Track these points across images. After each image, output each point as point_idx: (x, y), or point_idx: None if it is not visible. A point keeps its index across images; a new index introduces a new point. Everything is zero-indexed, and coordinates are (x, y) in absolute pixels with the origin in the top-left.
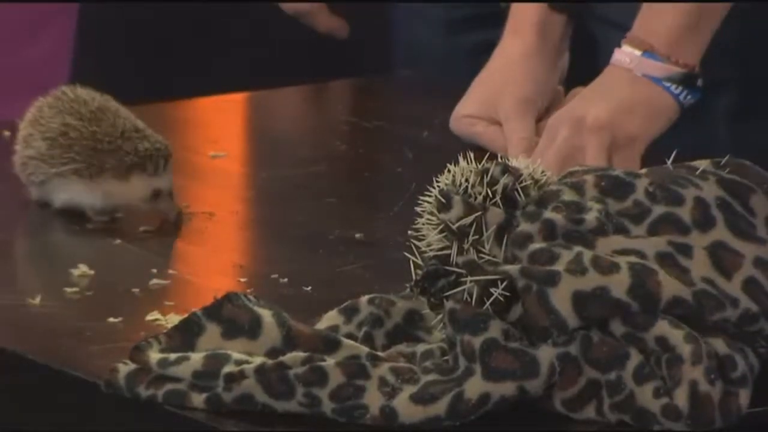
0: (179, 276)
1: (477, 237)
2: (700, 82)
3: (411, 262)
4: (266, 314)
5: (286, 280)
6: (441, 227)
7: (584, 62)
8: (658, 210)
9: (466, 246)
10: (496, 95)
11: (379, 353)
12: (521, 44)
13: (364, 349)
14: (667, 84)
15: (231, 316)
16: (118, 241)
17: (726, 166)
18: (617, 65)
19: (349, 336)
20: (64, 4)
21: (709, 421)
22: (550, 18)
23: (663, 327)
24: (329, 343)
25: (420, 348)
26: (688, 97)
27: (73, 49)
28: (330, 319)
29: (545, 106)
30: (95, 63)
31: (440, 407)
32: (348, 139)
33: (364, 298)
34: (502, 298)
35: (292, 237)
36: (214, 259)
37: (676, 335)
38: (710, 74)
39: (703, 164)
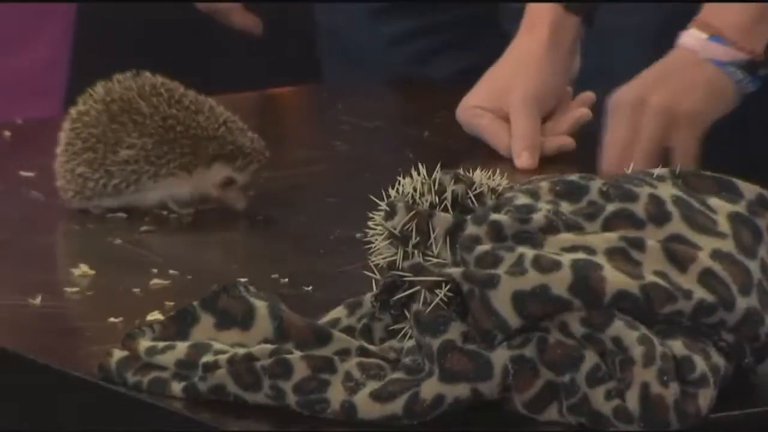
0: (179, 276)
1: (423, 241)
2: (762, 72)
3: (373, 280)
4: (261, 306)
5: (286, 280)
6: (386, 234)
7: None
8: (612, 207)
9: (409, 250)
10: (505, 89)
11: (371, 347)
12: (534, 42)
13: (355, 343)
14: (731, 69)
15: (225, 307)
16: (119, 241)
17: (683, 174)
18: (683, 47)
19: (349, 328)
20: (60, 5)
21: (663, 423)
22: (564, 19)
23: (619, 328)
24: (321, 335)
25: (408, 344)
26: (749, 84)
27: (70, 50)
28: (335, 313)
29: (552, 105)
30: (93, 64)
31: (397, 406)
32: (348, 139)
33: (369, 294)
34: (446, 299)
35: (292, 237)
36: (215, 259)
37: (629, 336)
38: None
39: (659, 170)
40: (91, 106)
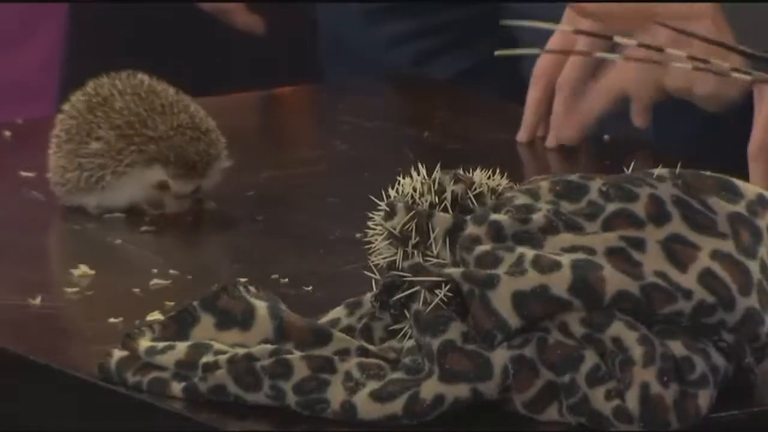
0: (179, 276)
1: (423, 241)
2: None
3: (373, 280)
4: (261, 306)
5: (286, 280)
6: (386, 234)
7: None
8: (612, 207)
9: (409, 250)
10: None
11: (371, 347)
12: None
13: (355, 343)
14: None
15: (226, 307)
16: (119, 241)
17: (683, 174)
18: None
19: (349, 328)
20: (52, 5)
21: (663, 423)
22: None
23: (619, 328)
24: (321, 335)
25: (408, 344)
26: None
27: (64, 51)
28: (335, 313)
29: None
30: (87, 65)
31: (397, 406)
32: (348, 139)
33: (369, 294)
34: (446, 299)
35: (292, 237)
36: (215, 259)
37: (629, 337)
38: None
39: (659, 170)
40: (78, 99)
